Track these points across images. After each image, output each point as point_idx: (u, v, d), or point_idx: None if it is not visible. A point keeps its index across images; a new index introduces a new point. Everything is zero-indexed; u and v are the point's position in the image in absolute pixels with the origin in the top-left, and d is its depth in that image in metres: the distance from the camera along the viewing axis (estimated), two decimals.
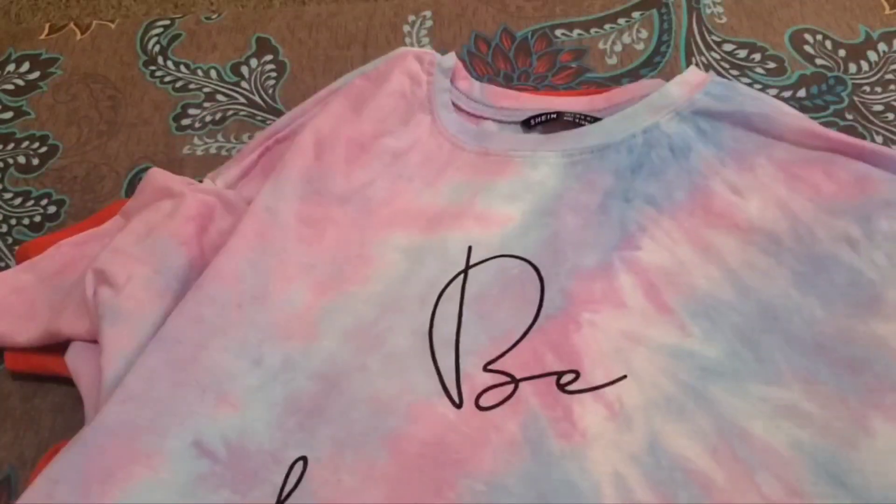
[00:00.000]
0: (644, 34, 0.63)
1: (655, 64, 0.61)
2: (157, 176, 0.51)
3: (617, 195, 0.49)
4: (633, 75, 0.60)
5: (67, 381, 0.47)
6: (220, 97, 0.62)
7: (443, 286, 0.46)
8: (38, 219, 0.57)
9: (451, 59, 0.56)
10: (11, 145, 0.61)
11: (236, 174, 0.53)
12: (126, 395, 0.42)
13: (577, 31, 0.63)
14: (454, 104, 0.55)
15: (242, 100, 0.62)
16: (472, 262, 0.47)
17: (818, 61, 0.60)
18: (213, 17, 0.67)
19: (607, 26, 0.63)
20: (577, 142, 0.51)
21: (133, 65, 0.65)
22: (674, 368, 0.42)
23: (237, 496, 0.40)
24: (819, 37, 0.61)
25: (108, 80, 0.64)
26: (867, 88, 0.58)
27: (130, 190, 0.58)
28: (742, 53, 0.61)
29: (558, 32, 0.63)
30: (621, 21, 0.64)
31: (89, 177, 0.59)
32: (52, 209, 0.58)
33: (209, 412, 0.42)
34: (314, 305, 0.46)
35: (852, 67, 0.59)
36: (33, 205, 0.58)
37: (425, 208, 0.50)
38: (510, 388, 0.42)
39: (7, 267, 0.54)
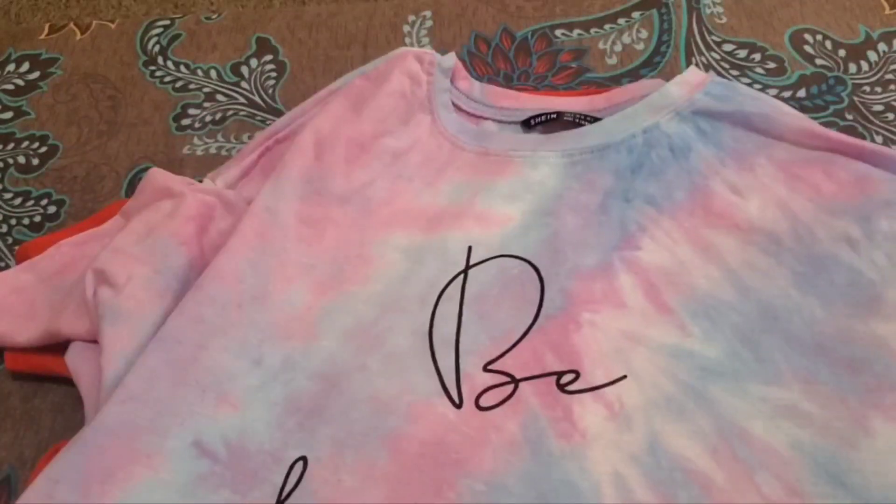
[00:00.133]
0: (644, 34, 0.63)
1: (655, 64, 0.61)
2: (157, 176, 0.51)
3: (617, 195, 0.49)
4: (633, 75, 0.60)
5: (67, 381, 0.47)
6: (220, 97, 0.62)
7: (443, 286, 0.46)
8: (38, 219, 0.57)
9: (451, 59, 0.56)
10: (11, 145, 0.61)
11: (236, 174, 0.53)
12: (126, 395, 0.42)
13: (577, 31, 0.63)
14: (454, 104, 0.55)
15: (242, 100, 0.62)
16: (472, 262, 0.47)
17: (818, 61, 0.60)
18: (213, 17, 0.67)
19: (607, 26, 0.63)
20: (577, 142, 0.51)
21: (133, 65, 0.65)
22: (674, 368, 0.42)
23: (237, 496, 0.40)
24: (819, 37, 0.61)
25: (108, 80, 0.64)
26: (867, 88, 0.58)
27: (130, 190, 0.58)
28: (742, 53, 0.61)
29: (558, 32, 0.63)
30: (621, 21, 0.64)
31: (89, 177, 0.59)
32: (52, 209, 0.58)
33: (209, 412, 0.42)
34: (314, 305, 0.46)
35: (852, 67, 0.59)
36: (33, 205, 0.58)
37: (425, 208, 0.50)
38: (510, 388, 0.42)
39: (7, 267, 0.54)
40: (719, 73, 0.59)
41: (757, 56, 0.60)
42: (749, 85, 0.58)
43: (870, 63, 0.59)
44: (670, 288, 0.45)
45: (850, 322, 0.43)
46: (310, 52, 0.64)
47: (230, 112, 0.61)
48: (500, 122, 0.55)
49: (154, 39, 0.66)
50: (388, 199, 0.50)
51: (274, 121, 0.57)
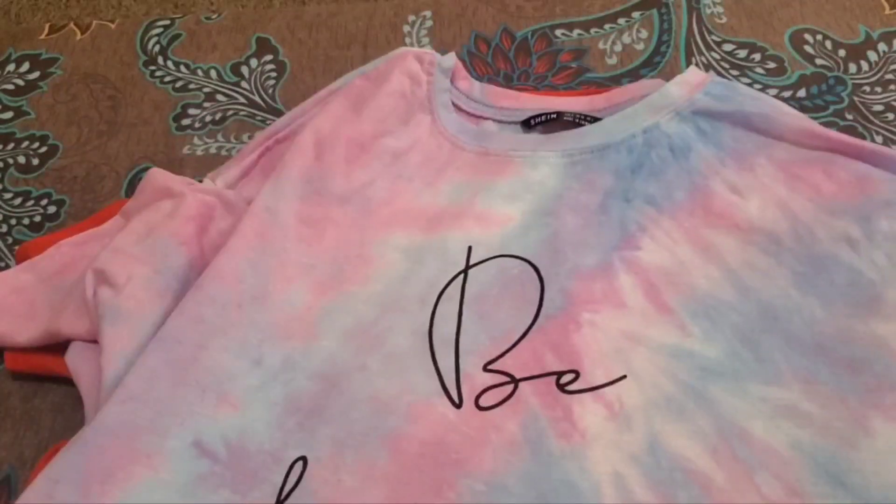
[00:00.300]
0: (644, 34, 0.63)
1: (655, 64, 0.61)
2: (157, 176, 0.51)
3: (617, 195, 0.49)
4: (633, 75, 0.60)
5: (67, 381, 0.47)
6: (220, 97, 0.62)
7: (443, 286, 0.46)
8: (38, 219, 0.57)
9: (451, 59, 0.56)
10: (11, 145, 0.61)
11: (236, 174, 0.53)
12: (126, 395, 0.42)
13: (577, 31, 0.63)
14: (454, 104, 0.55)
15: (242, 100, 0.62)
16: (472, 262, 0.47)
17: (818, 61, 0.60)
18: (213, 17, 0.67)
19: (607, 26, 0.63)
20: (577, 142, 0.51)
21: (133, 65, 0.65)
22: (674, 368, 0.42)
23: (237, 496, 0.40)
24: (819, 37, 0.61)
25: (108, 80, 0.64)
26: (867, 88, 0.58)
27: (130, 190, 0.58)
28: (742, 53, 0.61)
29: (558, 32, 0.63)
30: (621, 21, 0.64)
31: (89, 177, 0.59)
32: (52, 209, 0.58)
33: (209, 412, 0.42)
34: (314, 305, 0.46)
35: (852, 67, 0.59)
36: (33, 205, 0.58)
37: (425, 208, 0.50)
38: (510, 388, 0.42)
39: (7, 267, 0.54)
40: (719, 73, 0.59)
41: (757, 56, 0.60)
42: (749, 85, 0.58)
43: (870, 63, 0.59)
44: (670, 288, 0.45)
45: (850, 322, 0.43)
46: (310, 52, 0.64)
47: (230, 112, 0.61)
48: (500, 122, 0.55)
49: (154, 39, 0.66)
50: (388, 199, 0.50)
51: (274, 121, 0.57)
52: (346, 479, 0.40)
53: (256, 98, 0.62)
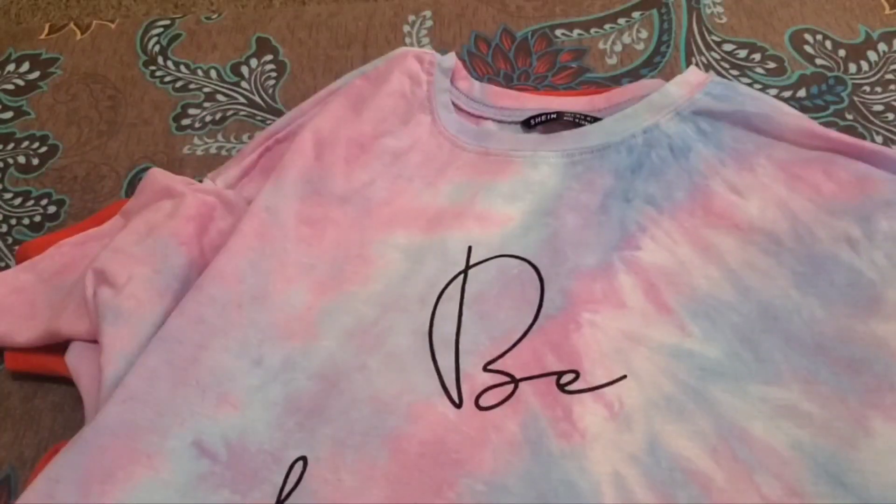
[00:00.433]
0: (644, 34, 0.63)
1: (655, 64, 0.61)
2: (157, 176, 0.51)
3: (617, 195, 0.49)
4: (633, 75, 0.60)
5: (67, 381, 0.47)
6: (220, 97, 0.62)
7: (443, 286, 0.46)
8: (38, 219, 0.57)
9: (451, 59, 0.56)
10: (11, 145, 0.61)
11: (236, 174, 0.53)
12: (126, 395, 0.42)
13: (577, 31, 0.63)
14: (454, 104, 0.55)
15: (242, 100, 0.62)
16: (472, 262, 0.47)
17: (818, 61, 0.60)
18: (213, 17, 0.67)
19: (607, 26, 0.63)
20: (578, 142, 0.51)
21: (133, 65, 0.65)
22: (674, 368, 0.42)
23: (237, 496, 0.40)
24: (819, 37, 0.61)
25: (108, 80, 0.64)
26: (867, 88, 0.58)
27: (130, 190, 0.58)
28: (742, 53, 0.61)
29: (558, 32, 0.63)
30: (621, 21, 0.64)
31: (89, 177, 0.59)
32: (52, 209, 0.58)
33: (210, 412, 0.42)
34: (314, 305, 0.46)
35: (852, 67, 0.59)
36: (33, 205, 0.58)
37: (425, 208, 0.50)
38: (510, 388, 0.42)
39: (7, 267, 0.54)
40: (719, 73, 0.59)
41: (757, 56, 0.60)
42: (749, 85, 0.58)
43: (870, 63, 0.59)
44: (670, 288, 0.45)
45: (850, 322, 0.43)
46: (310, 52, 0.64)
47: (230, 112, 0.61)
48: (500, 122, 0.55)
49: (154, 39, 0.66)
50: (388, 199, 0.50)
51: (274, 121, 0.57)
52: (346, 478, 0.40)
53: (256, 98, 0.62)
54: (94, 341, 0.45)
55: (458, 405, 0.42)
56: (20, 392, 0.50)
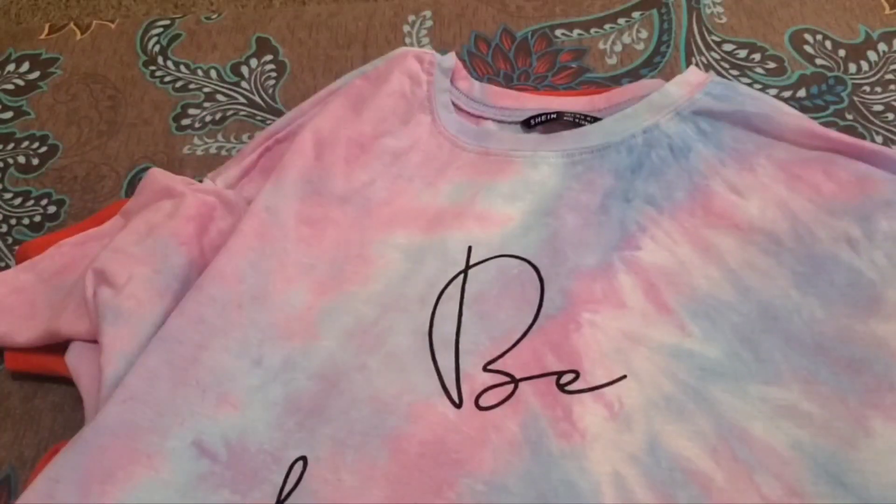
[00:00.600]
0: (644, 34, 0.63)
1: (655, 64, 0.61)
2: (157, 176, 0.51)
3: (617, 195, 0.49)
4: (633, 75, 0.60)
5: (67, 381, 0.47)
6: (220, 97, 0.62)
7: (443, 286, 0.46)
8: (38, 219, 0.57)
9: (451, 59, 0.56)
10: (11, 145, 0.61)
11: (236, 174, 0.53)
12: (127, 395, 0.42)
13: (577, 31, 0.63)
14: (454, 104, 0.55)
15: (242, 100, 0.62)
16: (472, 262, 0.47)
17: (818, 61, 0.60)
18: (213, 17, 0.67)
19: (607, 26, 0.63)
20: (578, 142, 0.51)
21: (133, 65, 0.65)
22: (674, 368, 0.42)
23: (237, 496, 0.40)
24: (819, 37, 0.61)
25: (108, 80, 0.64)
26: (867, 88, 0.58)
27: (130, 190, 0.58)
28: (742, 53, 0.61)
29: (558, 32, 0.63)
30: (621, 21, 0.64)
31: (89, 177, 0.59)
32: (52, 209, 0.58)
33: (210, 412, 0.42)
34: (314, 305, 0.46)
35: (852, 67, 0.59)
36: (33, 205, 0.58)
37: (425, 208, 0.50)
38: (510, 388, 0.42)
39: (7, 267, 0.54)
40: (719, 73, 0.59)
41: (757, 56, 0.60)
42: (749, 85, 0.58)
43: (870, 63, 0.59)
44: (670, 288, 0.45)
45: (850, 322, 0.43)
46: (310, 52, 0.64)
47: (230, 112, 0.61)
48: (500, 122, 0.55)
49: (154, 39, 0.66)
50: (388, 199, 0.50)
51: (274, 121, 0.57)
52: (346, 478, 0.40)
53: (256, 98, 0.62)
54: (94, 341, 0.45)
55: (458, 405, 0.42)
56: (20, 392, 0.50)
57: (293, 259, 0.47)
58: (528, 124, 0.54)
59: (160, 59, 0.65)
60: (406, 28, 0.65)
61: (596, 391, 0.42)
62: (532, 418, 0.41)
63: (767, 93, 0.56)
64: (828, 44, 0.61)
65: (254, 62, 0.64)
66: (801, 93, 0.58)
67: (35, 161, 0.60)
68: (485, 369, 0.43)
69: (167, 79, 0.63)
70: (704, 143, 0.50)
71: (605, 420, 0.41)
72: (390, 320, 0.45)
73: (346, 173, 0.51)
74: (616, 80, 0.60)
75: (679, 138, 0.50)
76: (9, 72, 0.65)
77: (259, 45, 0.65)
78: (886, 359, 0.41)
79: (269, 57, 0.64)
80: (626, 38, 0.62)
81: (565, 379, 0.42)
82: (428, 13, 0.65)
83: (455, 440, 0.41)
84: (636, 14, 0.64)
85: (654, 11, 0.64)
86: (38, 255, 0.51)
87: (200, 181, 0.53)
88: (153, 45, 0.65)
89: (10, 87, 0.64)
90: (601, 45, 0.62)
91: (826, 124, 0.54)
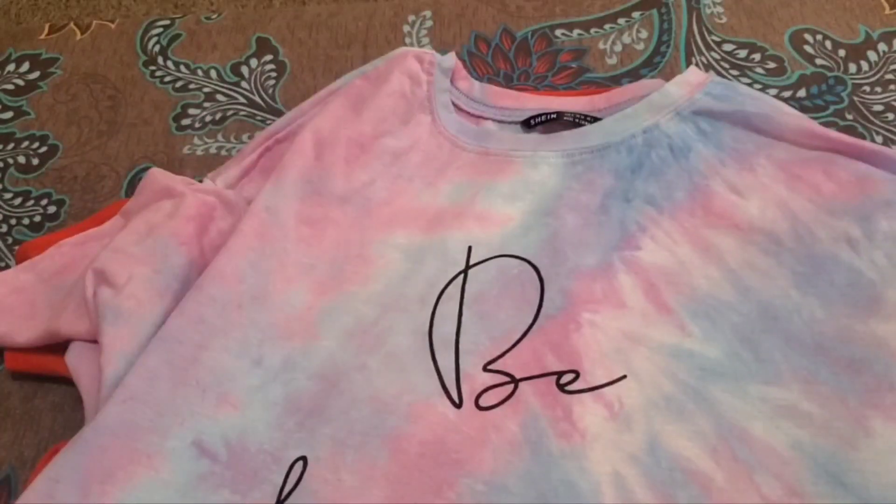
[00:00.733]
0: (644, 34, 0.63)
1: (655, 64, 0.61)
2: (157, 176, 0.51)
3: (617, 195, 0.49)
4: (633, 75, 0.60)
5: (67, 381, 0.47)
6: (220, 97, 0.62)
7: (443, 286, 0.46)
8: (38, 219, 0.57)
9: (451, 59, 0.56)
10: (11, 145, 0.61)
11: (236, 174, 0.53)
12: (127, 395, 0.42)
13: (577, 31, 0.63)
14: (454, 104, 0.55)
15: (242, 100, 0.62)
16: (472, 262, 0.47)
17: (818, 61, 0.60)
18: (213, 17, 0.67)
19: (607, 26, 0.63)
20: (578, 142, 0.51)
21: (133, 65, 0.65)
22: (674, 368, 0.42)
23: (237, 496, 0.40)
24: (819, 37, 0.61)
25: (108, 80, 0.64)
26: (867, 88, 0.58)
27: (130, 190, 0.58)
28: (742, 53, 0.61)
29: (558, 32, 0.63)
30: (621, 21, 0.64)
31: (89, 177, 0.59)
32: (52, 209, 0.58)
33: (210, 412, 0.42)
34: (314, 305, 0.46)
35: (852, 67, 0.59)
36: (33, 205, 0.58)
37: (425, 208, 0.50)
38: (510, 388, 0.42)
39: (7, 267, 0.54)
40: (719, 73, 0.59)
41: (757, 56, 0.60)
42: (749, 85, 0.58)
43: (870, 63, 0.59)
44: (670, 288, 0.45)
45: (850, 322, 0.43)
46: (310, 52, 0.64)
47: (230, 112, 0.61)
48: (500, 122, 0.55)
49: (154, 39, 0.66)
50: (388, 199, 0.50)
51: (274, 121, 0.57)
52: (346, 478, 0.40)
53: (256, 98, 0.62)
54: (94, 341, 0.45)
55: (458, 405, 0.42)
56: (20, 392, 0.50)
57: (293, 259, 0.47)
58: (528, 124, 0.54)
59: (160, 59, 0.65)
60: (406, 28, 0.65)
61: (596, 391, 0.42)
62: (532, 418, 0.41)
63: (767, 93, 0.56)
64: (828, 44, 0.61)
65: (254, 62, 0.64)
66: (801, 93, 0.58)
67: (35, 161, 0.60)
68: (485, 369, 0.43)
69: (167, 79, 0.63)
70: (704, 143, 0.50)
71: (605, 420, 0.41)
72: (390, 320, 0.45)
73: (346, 173, 0.51)
74: (616, 80, 0.60)
75: (679, 138, 0.50)
76: (9, 72, 0.65)
77: (259, 45, 0.65)
78: (886, 359, 0.41)
79: (269, 57, 0.64)
80: (626, 38, 0.62)
81: (565, 379, 0.42)
82: (428, 13, 0.65)
83: (455, 440, 0.41)
84: (636, 14, 0.64)
85: (654, 11, 0.64)
86: (38, 255, 0.51)
87: (200, 181, 0.53)
88: (153, 45, 0.65)
89: (10, 87, 0.64)
90: (601, 45, 0.62)
91: (826, 124, 0.54)
